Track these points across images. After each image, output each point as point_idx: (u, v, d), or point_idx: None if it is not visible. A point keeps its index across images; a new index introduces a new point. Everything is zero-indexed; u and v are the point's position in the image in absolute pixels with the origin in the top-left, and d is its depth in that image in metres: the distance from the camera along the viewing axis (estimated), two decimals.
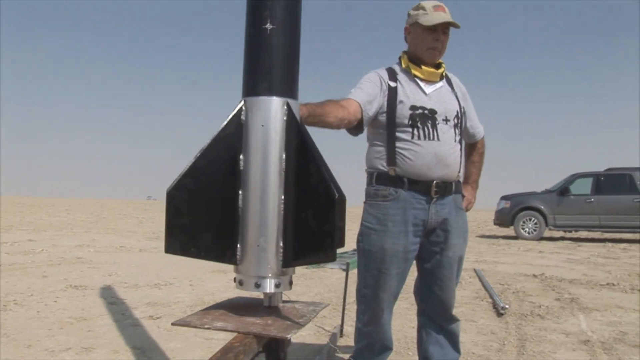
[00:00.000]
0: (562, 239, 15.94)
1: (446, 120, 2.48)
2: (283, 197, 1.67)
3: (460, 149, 2.56)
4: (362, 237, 2.54)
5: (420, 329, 2.73)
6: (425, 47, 2.48)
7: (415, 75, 2.51)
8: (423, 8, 2.46)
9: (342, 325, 4.17)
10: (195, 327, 1.60)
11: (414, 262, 2.61)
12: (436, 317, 2.65)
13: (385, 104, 2.47)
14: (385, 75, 2.51)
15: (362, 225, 2.54)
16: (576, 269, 8.67)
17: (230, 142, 1.69)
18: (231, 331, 1.57)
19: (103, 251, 10.10)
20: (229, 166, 1.70)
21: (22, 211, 28.18)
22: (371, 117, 2.46)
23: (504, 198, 16.24)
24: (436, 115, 2.46)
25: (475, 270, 7.98)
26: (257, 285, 1.67)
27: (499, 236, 17.16)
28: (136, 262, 8.61)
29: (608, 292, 6.35)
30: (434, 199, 2.46)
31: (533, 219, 15.34)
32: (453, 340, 2.67)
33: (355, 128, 2.46)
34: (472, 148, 2.81)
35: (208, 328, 1.60)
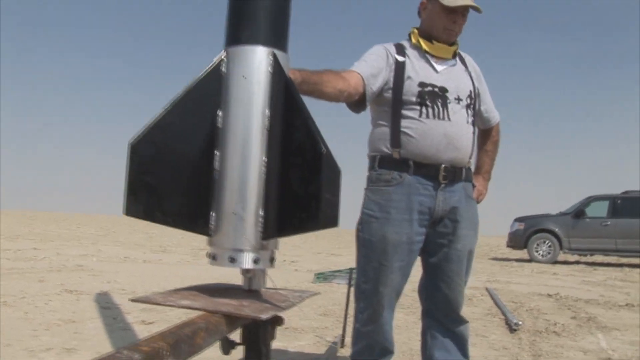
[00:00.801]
0: (577, 262, 15.50)
1: (458, 99, 2.26)
2: (265, 158, 1.46)
3: (473, 133, 2.33)
4: (362, 225, 2.30)
5: (424, 331, 2.48)
6: (441, 27, 2.27)
7: (426, 52, 2.31)
8: None
9: (343, 336, 3.91)
10: (156, 304, 1.38)
11: (419, 257, 2.38)
12: (442, 318, 2.39)
13: (392, 79, 2.26)
14: (393, 49, 2.31)
15: (362, 212, 2.31)
16: (593, 290, 8.31)
17: (208, 95, 1.49)
18: (197, 309, 1.34)
19: (107, 261, 9.91)
20: (206, 122, 1.49)
21: (32, 223, 28.17)
22: (375, 93, 2.25)
23: (517, 220, 15.86)
24: (447, 94, 2.25)
25: (487, 289, 7.66)
26: (232, 260, 1.44)
27: (512, 259, 16.74)
28: (139, 271, 8.40)
29: (628, 313, 6.01)
30: (442, 185, 2.23)
31: (547, 241, 14.93)
32: (461, 344, 2.41)
33: (357, 104, 2.26)
34: (485, 135, 2.58)
35: (171, 305, 1.37)
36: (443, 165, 2.21)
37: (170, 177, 1.42)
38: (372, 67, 2.24)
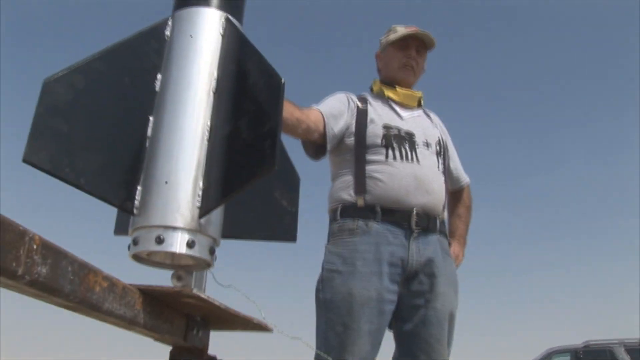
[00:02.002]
0: None
1: (427, 144, 2.09)
2: (209, 123, 1.20)
3: (445, 182, 2.12)
4: (322, 284, 1.96)
5: None
6: (397, 64, 2.19)
7: (389, 98, 2.18)
8: (394, 30, 2.24)
9: None
10: None
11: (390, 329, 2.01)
12: None
13: (354, 124, 2.09)
14: (354, 97, 2.17)
15: (322, 269, 1.98)
16: None
17: (147, 55, 1.26)
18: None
19: None
20: (140, 82, 1.24)
21: None
22: (336, 136, 2.05)
23: None
24: (415, 138, 2.07)
25: None
26: (160, 240, 1.11)
27: None
28: None
29: None
30: (415, 234, 1.95)
31: None
32: None
33: (316, 147, 2.05)
34: (456, 199, 2.37)
35: None
36: (415, 210, 1.96)
37: (88, 130, 1.13)
38: (332, 107, 2.08)
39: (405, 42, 2.18)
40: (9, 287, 0.66)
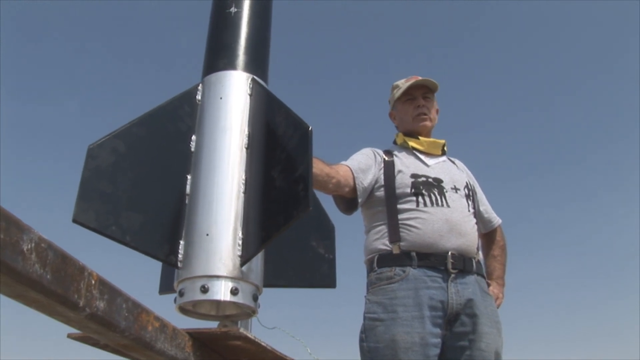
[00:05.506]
0: None
1: (455, 189, 2.11)
2: (245, 177, 1.26)
3: (476, 224, 2.12)
4: (365, 333, 1.94)
5: None
6: (411, 117, 2.26)
7: (414, 148, 2.23)
8: (397, 86, 2.33)
9: None
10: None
11: None
12: None
13: (382, 176, 2.13)
14: (380, 151, 2.23)
15: (364, 319, 1.97)
16: None
17: (181, 119, 1.35)
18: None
19: None
20: (176, 145, 1.32)
21: None
22: (366, 190, 2.09)
23: None
24: (443, 184, 2.10)
25: None
26: (204, 290, 1.14)
27: None
28: None
29: None
30: (452, 276, 1.95)
31: None
32: None
33: (348, 202, 2.09)
34: (490, 240, 2.36)
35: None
36: (450, 253, 1.96)
37: (132, 191, 1.20)
38: (360, 162, 2.13)
39: (410, 94, 2.26)
40: (70, 322, 0.69)
